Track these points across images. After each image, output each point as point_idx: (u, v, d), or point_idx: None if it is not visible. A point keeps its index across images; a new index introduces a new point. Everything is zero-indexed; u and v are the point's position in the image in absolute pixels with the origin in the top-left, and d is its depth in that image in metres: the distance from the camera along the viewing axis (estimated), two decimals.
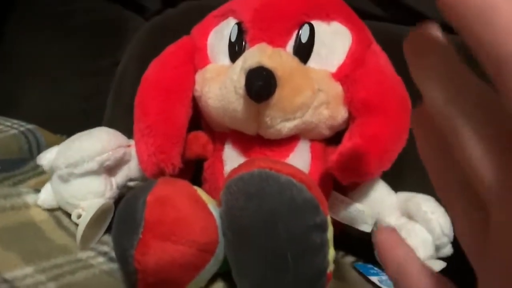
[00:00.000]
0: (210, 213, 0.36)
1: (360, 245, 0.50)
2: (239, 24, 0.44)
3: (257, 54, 0.39)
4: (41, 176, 0.54)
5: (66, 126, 0.67)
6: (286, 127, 0.42)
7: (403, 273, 0.20)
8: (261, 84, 0.38)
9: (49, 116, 0.78)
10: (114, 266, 0.40)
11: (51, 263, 0.38)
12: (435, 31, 0.16)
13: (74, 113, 0.78)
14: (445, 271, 0.45)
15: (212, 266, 0.36)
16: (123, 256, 0.33)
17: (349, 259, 0.51)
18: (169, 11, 0.77)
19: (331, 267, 0.35)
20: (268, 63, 0.38)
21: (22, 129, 0.69)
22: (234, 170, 0.35)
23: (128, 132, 0.49)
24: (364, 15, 0.51)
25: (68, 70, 0.82)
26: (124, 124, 0.51)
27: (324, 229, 0.33)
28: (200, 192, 0.37)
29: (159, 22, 0.76)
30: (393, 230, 0.21)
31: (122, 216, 0.34)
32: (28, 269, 0.37)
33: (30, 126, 0.70)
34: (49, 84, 0.81)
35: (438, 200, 0.48)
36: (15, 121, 0.71)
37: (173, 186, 0.36)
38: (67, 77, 0.81)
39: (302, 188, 0.33)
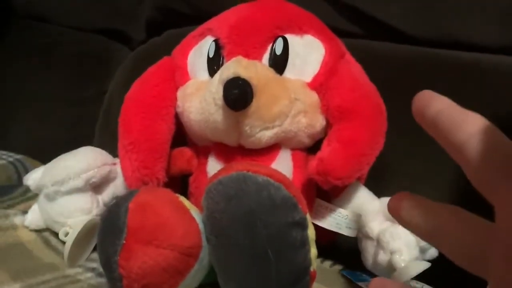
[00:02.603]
0: (192, 218, 0.36)
1: (348, 255, 0.51)
2: (216, 41, 0.47)
3: (233, 66, 0.41)
4: (30, 201, 0.54)
5: (55, 155, 0.68)
6: (266, 135, 0.43)
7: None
8: (237, 93, 0.39)
9: (38, 145, 0.79)
10: (103, 280, 0.40)
11: (38, 279, 0.39)
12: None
13: (63, 142, 0.78)
14: (431, 272, 0.45)
15: (197, 272, 0.36)
16: (107, 263, 0.33)
17: (338, 267, 0.51)
18: (154, 39, 0.80)
19: (314, 266, 0.35)
20: (243, 73, 0.40)
21: (10, 159, 0.70)
22: (214, 175, 0.36)
23: (116, 156, 0.50)
24: (341, 33, 0.53)
25: (55, 100, 0.83)
26: (112, 149, 0.52)
27: (303, 226, 0.34)
28: (182, 199, 0.38)
29: (144, 50, 0.79)
30: (384, 280, 0.22)
31: (105, 224, 0.35)
32: (15, 286, 0.37)
33: (18, 156, 0.71)
34: (36, 114, 0.83)
35: None
36: (4, 152, 0.72)
37: (155, 193, 0.37)
38: (54, 107, 0.83)
39: (279, 187, 0.34)
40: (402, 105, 0.57)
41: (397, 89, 0.57)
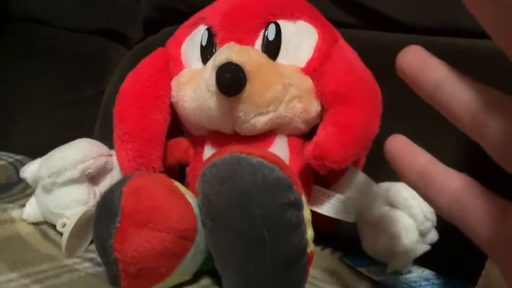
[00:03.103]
0: (188, 202, 0.36)
1: (348, 242, 0.51)
2: (209, 29, 0.47)
3: (226, 52, 0.41)
4: (29, 197, 0.54)
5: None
6: (261, 121, 0.43)
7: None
8: (229, 77, 0.39)
9: (37, 147, 0.78)
10: (101, 269, 0.40)
11: (35, 269, 0.39)
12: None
13: (62, 142, 0.79)
14: (431, 256, 0.45)
15: (193, 256, 0.36)
16: (103, 248, 0.33)
17: (338, 254, 0.51)
18: (151, 38, 0.80)
19: (311, 247, 0.35)
20: (236, 58, 0.40)
21: (10, 160, 0.70)
22: (208, 159, 0.36)
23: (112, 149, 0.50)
24: (339, 24, 0.53)
25: (54, 100, 0.84)
26: (111, 148, 0.52)
27: (299, 207, 0.34)
28: (177, 184, 0.38)
29: (141, 49, 0.79)
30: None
31: (100, 209, 0.35)
32: (13, 275, 0.37)
33: (18, 157, 0.71)
34: (36, 116, 0.83)
35: None
36: (4, 153, 0.72)
37: (149, 177, 0.37)
38: (53, 108, 0.83)
39: (273, 168, 0.33)
40: (399, 91, 0.57)
41: (393, 76, 0.57)
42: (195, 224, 0.35)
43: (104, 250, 0.33)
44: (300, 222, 0.34)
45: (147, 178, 0.36)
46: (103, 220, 0.34)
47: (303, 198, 0.35)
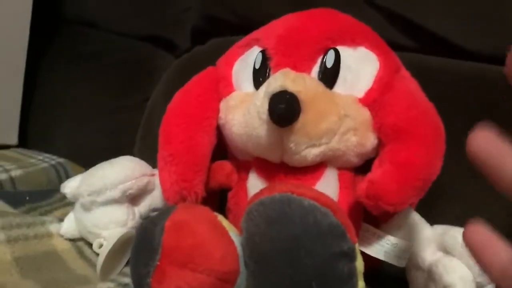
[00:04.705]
0: (231, 241, 0.34)
1: (393, 285, 0.47)
2: (263, 52, 0.44)
3: (280, 79, 0.39)
4: (68, 207, 0.54)
5: (96, 161, 0.69)
6: (312, 153, 0.41)
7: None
8: (283, 108, 0.37)
9: (80, 151, 0.79)
10: None
11: None
12: None
13: (103, 149, 0.79)
14: None
15: None
16: (139, 284, 0.32)
17: None
18: (198, 48, 0.79)
19: None
20: (291, 86, 0.38)
21: (53, 162, 0.70)
22: (255, 195, 0.34)
23: (156, 167, 0.48)
24: (394, 46, 0.50)
25: (99, 106, 0.84)
26: (152, 159, 0.51)
27: (352, 258, 0.31)
28: (220, 218, 0.36)
29: (188, 59, 0.78)
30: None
31: (140, 242, 0.33)
32: None
33: (60, 160, 0.72)
34: (80, 120, 0.84)
35: None
36: (47, 155, 0.73)
37: (192, 211, 0.35)
38: (98, 113, 0.83)
39: (327, 212, 0.31)
40: (459, 124, 0.53)
41: (453, 107, 0.53)
42: (237, 265, 0.33)
43: (140, 287, 0.32)
44: (352, 274, 0.31)
45: (190, 212, 0.34)
46: (143, 255, 0.32)
47: (357, 247, 0.32)
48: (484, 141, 0.19)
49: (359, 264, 0.32)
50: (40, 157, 0.71)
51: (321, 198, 0.32)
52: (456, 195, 0.52)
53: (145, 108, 0.80)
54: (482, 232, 0.20)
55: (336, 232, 0.31)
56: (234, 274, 0.33)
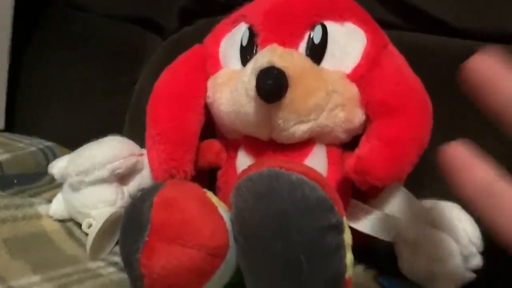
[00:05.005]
0: (220, 216, 0.34)
1: (384, 258, 0.48)
2: (250, 28, 0.44)
3: (268, 54, 0.38)
4: (57, 189, 0.53)
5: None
6: (300, 130, 0.41)
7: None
8: (271, 83, 0.36)
9: (69, 134, 0.78)
10: (125, 276, 0.38)
11: (59, 272, 0.38)
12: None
13: (93, 132, 0.78)
14: (474, 283, 0.42)
15: (223, 273, 0.34)
16: (128, 260, 0.32)
17: (372, 272, 0.49)
18: (186, 29, 0.78)
19: (349, 272, 0.33)
20: (278, 62, 0.37)
21: (41, 146, 0.70)
22: (244, 171, 0.34)
23: (144, 147, 0.48)
24: (382, 23, 0.50)
25: (87, 89, 0.83)
26: (141, 141, 0.50)
27: (340, 230, 0.31)
28: (209, 195, 0.36)
29: (176, 40, 0.77)
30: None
31: (128, 219, 0.33)
32: (35, 278, 0.36)
33: (49, 144, 0.71)
34: (69, 104, 0.83)
35: (464, 207, 0.46)
36: (35, 139, 0.72)
37: (181, 187, 0.35)
38: (86, 97, 0.83)
39: (315, 186, 0.31)
40: (447, 101, 0.53)
41: (442, 85, 0.53)
42: (227, 240, 0.33)
43: (130, 264, 0.32)
44: (340, 246, 0.32)
45: (179, 188, 0.34)
46: (131, 232, 0.32)
47: (345, 220, 0.33)
48: (483, 64, 0.19)
49: (347, 236, 0.33)
50: (28, 141, 0.70)
51: (310, 172, 0.32)
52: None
53: (134, 91, 0.79)
54: (462, 150, 0.20)
55: (324, 205, 0.31)
56: (224, 248, 0.33)
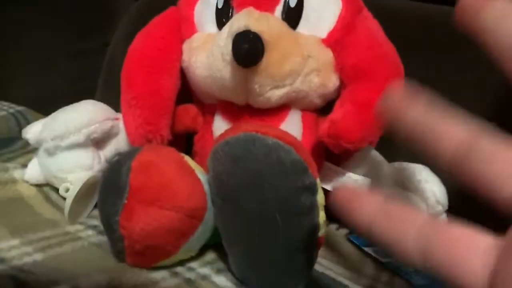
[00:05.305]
0: (198, 179, 0.35)
1: None
2: None
3: (244, 18, 0.38)
4: (31, 154, 0.53)
5: (57, 108, 0.67)
6: (276, 95, 0.41)
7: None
8: (247, 48, 0.37)
9: (39, 97, 0.77)
10: (104, 238, 0.39)
11: (38, 235, 0.38)
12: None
13: (64, 94, 0.76)
14: None
15: (201, 234, 0.35)
16: (108, 223, 0.32)
17: (344, 231, 0.51)
18: None
19: (322, 231, 0.34)
20: (255, 26, 0.37)
21: (11, 111, 0.68)
22: (221, 136, 0.34)
23: (119, 111, 0.48)
24: None
25: (57, 50, 0.80)
26: (115, 104, 0.50)
27: (313, 191, 0.33)
28: (187, 158, 0.36)
29: (149, 1, 0.75)
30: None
31: (107, 182, 0.33)
32: (14, 241, 0.36)
33: (20, 108, 0.69)
34: (38, 65, 0.80)
35: (432, 169, 0.47)
36: (5, 103, 0.70)
37: (158, 152, 0.35)
38: (57, 58, 0.80)
39: (289, 150, 0.32)
40: (421, 65, 0.54)
41: (415, 49, 0.54)
42: (205, 202, 0.34)
43: (109, 226, 0.32)
44: (313, 207, 0.33)
45: (156, 153, 0.35)
46: (110, 195, 0.32)
47: (318, 181, 0.34)
48: (420, 113, 0.16)
49: (320, 197, 0.34)
50: None
51: (285, 136, 0.33)
52: None
53: (105, 53, 0.78)
54: (348, 190, 0.20)
55: (299, 168, 0.32)
56: (202, 210, 0.34)
